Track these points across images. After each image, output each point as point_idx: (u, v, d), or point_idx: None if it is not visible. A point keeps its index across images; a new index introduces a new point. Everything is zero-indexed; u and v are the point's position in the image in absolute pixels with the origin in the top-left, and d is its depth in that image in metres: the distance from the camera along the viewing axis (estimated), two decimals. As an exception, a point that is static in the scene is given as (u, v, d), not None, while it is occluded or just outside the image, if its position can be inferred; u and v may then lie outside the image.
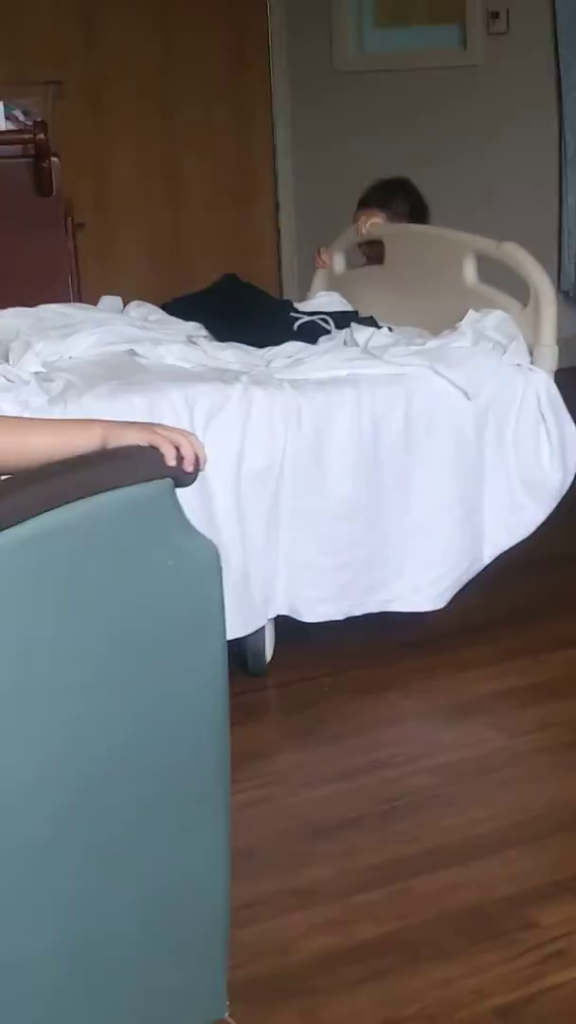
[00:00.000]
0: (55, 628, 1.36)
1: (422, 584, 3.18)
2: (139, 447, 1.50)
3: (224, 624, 1.56)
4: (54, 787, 1.39)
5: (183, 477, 1.48)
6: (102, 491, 1.39)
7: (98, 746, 1.43)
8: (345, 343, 3.35)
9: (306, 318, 3.52)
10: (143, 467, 1.45)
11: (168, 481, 1.46)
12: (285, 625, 3.16)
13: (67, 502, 1.35)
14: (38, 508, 1.32)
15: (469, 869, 2.40)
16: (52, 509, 1.33)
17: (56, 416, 2.83)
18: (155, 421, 2.87)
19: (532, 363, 3.25)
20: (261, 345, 3.35)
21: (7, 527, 1.29)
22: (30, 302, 3.59)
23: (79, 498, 1.36)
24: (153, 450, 1.49)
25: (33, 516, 1.31)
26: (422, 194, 4.00)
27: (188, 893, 1.62)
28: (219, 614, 1.54)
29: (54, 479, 1.37)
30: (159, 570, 1.46)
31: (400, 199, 3.98)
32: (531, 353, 3.26)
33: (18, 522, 1.30)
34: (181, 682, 1.51)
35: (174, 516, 1.47)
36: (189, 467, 1.50)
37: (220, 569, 1.53)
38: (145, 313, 3.62)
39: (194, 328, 3.48)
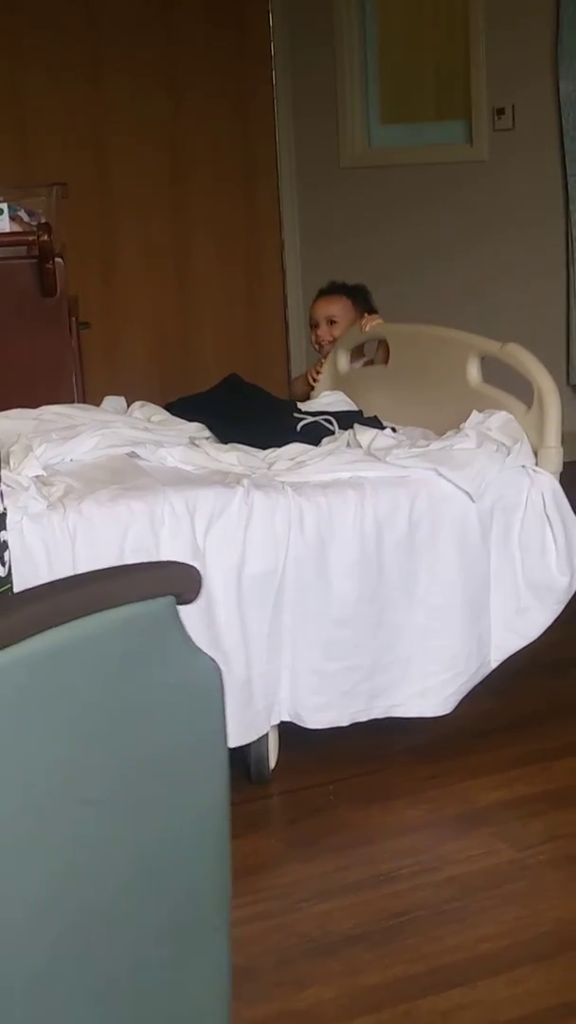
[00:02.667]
0: (53, 749, 1.34)
1: (428, 689, 3.13)
2: (143, 564, 1.49)
3: (226, 743, 1.54)
4: (51, 914, 1.36)
5: (185, 594, 1.46)
6: (100, 609, 1.37)
7: (97, 870, 1.39)
8: (348, 444, 3.34)
9: (309, 419, 3.50)
10: (144, 584, 1.43)
11: (170, 598, 1.43)
12: (289, 731, 3.11)
13: (64, 622, 1.33)
14: (34, 628, 1.30)
15: (476, 990, 2.34)
16: (48, 629, 1.31)
17: (55, 523, 2.81)
18: (155, 526, 2.88)
19: (537, 464, 3.22)
20: (265, 445, 3.33)
21: (3, 647, 1.27)
22: (34, 402, 3.59)
23: (76, 617, 1.34)
24: (158, 566, 1.47)
25: (29, 636, 1.29)
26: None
27: (188, 1020, 1.58)
28: (221, 733, 1.52)
29: (50, 598, 1.35)
30: (160, 689, 1.44)
31: (364, 298, 4.10)
32: (536, 455, 3.24)
33: (14, 642, 1.28)
34: (182, 802, 1.49)
35: (176, 634, 1.45)
36: None
37: (222, 688, 1.50)
38: (148, 413, 3.61)
39: (197, 429, 3.47)
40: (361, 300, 4.08)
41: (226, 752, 1.52)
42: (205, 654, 1.48)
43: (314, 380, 4.04)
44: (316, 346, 4.15)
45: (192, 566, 1.49)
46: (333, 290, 4.14)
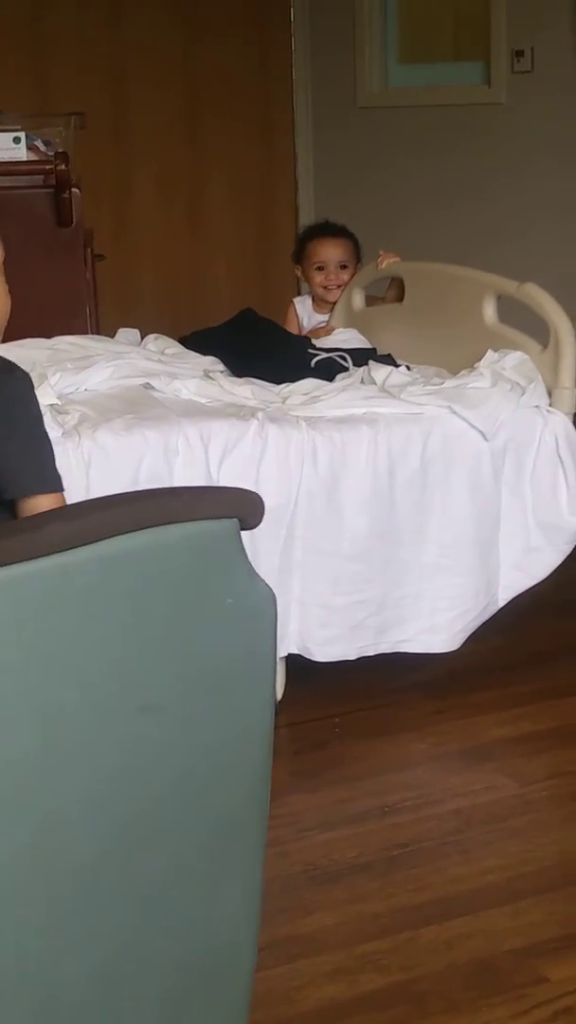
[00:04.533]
0: (115, 650, 1.38)
1: (436, 625, 3.15)
2: (212, 487, 1.52)
3: (275, 671, 1.57)
4: (102, 812, 1.40)
5: (249, 519, 1.48)
6: (168, 523, 1.40)
7: (147, 774, 1.44)
8: (362, 381, 3.33)
9: (324, 355, 3.50)
10: (212, 504, 1.47)
11: (234, 521, 1.46)
12: (297, 664, 3.13)
13: (131, 530, 1.37)
14: (108, 531, 1.35)
15: (478, 920, 2.36)
16: (115, 535, 1.35)
17: (70, 450, 2.82)
18: (169, 456, 2.88)
19: (551, 405, 3.22)
20: (278, 381, 3.33)
21: (85, 543, 1.32)
22: (48, 333, 3.58)
23: (144, 527, 1.38)
24: (226, 489, 1.50)
25: (103, 539, 1.34)
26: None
27: (220, 935, 1.62)
28: (271, 659, 1.56)
29: (120, 507, 1.39)
30: (218, 608, 1.47)
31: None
32: (550, 395, 3.23)
33: (89, 542, 1.33)
34: (231, 718, 1.53)
35: (237, 556, 1.48)
36: None
37: (276, 616, 1.53)
38: (163, 346, 3.61)
39: (211, 363, 3.46)
40: (357, 245, 4.01)
41: (274, 676, 1.55)
42: (263, 582, 1.51)
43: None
44: (321, 289, 3.96)
45: (256, 494, 1.52)
46: (341, 232, 3.98)
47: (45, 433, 2.07)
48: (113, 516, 1.36)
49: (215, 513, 1.45)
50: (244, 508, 1.49)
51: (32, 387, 2.06)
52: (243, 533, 3.09)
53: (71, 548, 1.32)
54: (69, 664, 1.34)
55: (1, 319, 2.11)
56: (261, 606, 1.51)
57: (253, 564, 3.06)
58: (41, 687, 1.33)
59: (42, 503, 2.01)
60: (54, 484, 2.04)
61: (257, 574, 1.50)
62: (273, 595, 1.51)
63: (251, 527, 1.48)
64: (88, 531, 1.33)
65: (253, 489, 2.87)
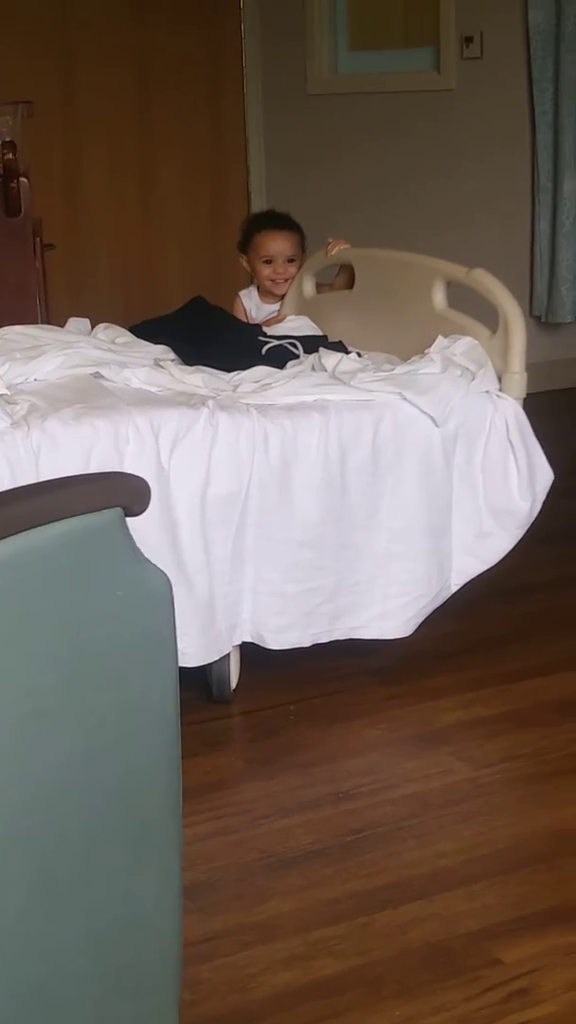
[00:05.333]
0: (3, 660, 1.32)
1: (389, 611, 3.16)
2: (91, 475, 1.47)
3: (176, 655, 1.54)
4: (4, 822, 1.35)
5: (134, 506, 1.45)
6: (47, 522, 1.35)
7: (46, 780, 1.39)
8: (313, 368, 3.33)
9: (274, 342, 3.50)
10: (91, 496, 1.41)
11: (118, 510, 1.42)
12: (250, 652, 3.13)
13: (9, 534, 1.31)
14: None
15: (432, 903, 2.37)
16: None
17: (19, 440, 2.81)
18: (120, 445, 2.87)
19: (501, 390, 3.23)
20: (229, 369, 3.33)
21: None
22: (-3, 323, 3.57)
23: (22, 530, 1.32)
24: (103, 477, 1.45)
25: None
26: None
27: (139, 929, 1.59)
28: (171, 645, 1.52)
29: None
30: (109, 601, 1.43)
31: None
32: (500, 380, 3.24)
33: None
34: (132, 715, 1.49)
35: (124, 546, 1.43)
36: None
37: (171, 599, 1.50)
38: (113, 335, 3.59)
39: (162, 351, 3.45)
40: (303, 236, 3.98)
41: (175, 664, 1.52)
42: (154, 566, 1.47)
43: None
44: (269, 282, 3.92)
45: (141, 477, 1.47)
46: (287, 224, 3.93)
47: None
48: None
49: (95, 505, 1.39)
50: (127, 495, 1.44)
51: None
52: (194, 521, 3.07)
53: None
54: None
55: None
56: (154, 593, 1.46)
57: (205, 553, 3.06)
58: None
59: None
60: None
61: (147, 560, 1.46)
62: (166, 579, 1.48)
63: (136, 514, 1.43)
64: None
65: (204, 477, 2.89)
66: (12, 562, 1.31)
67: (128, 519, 1.47)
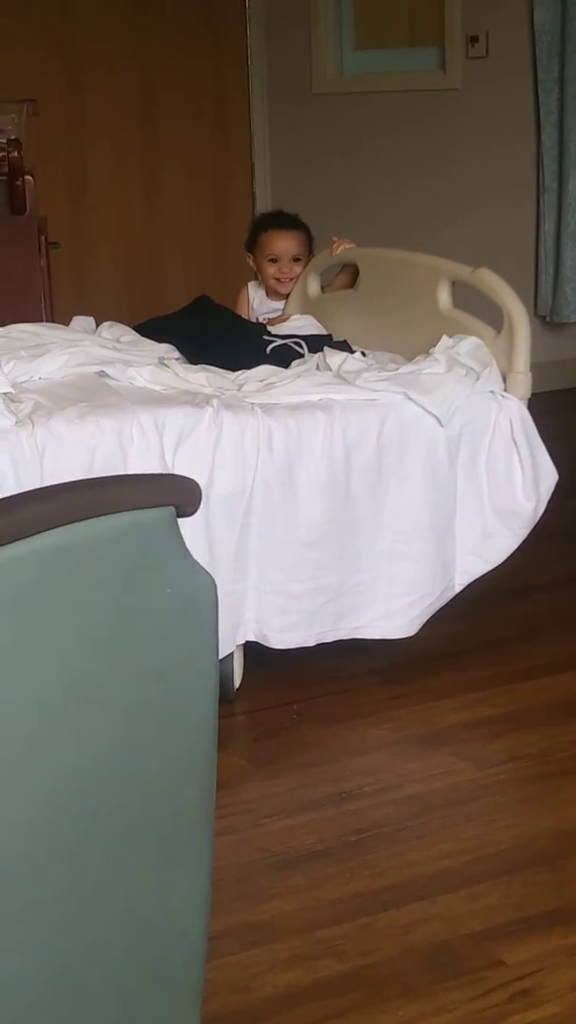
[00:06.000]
0: (55, 646, 1.36)
1: (393, 611, 3.15)
2: (148, 475, 1.49)
3: (217, 657, 1.56)
4: (51, 810, 1.38)
5: (186, 507, 1.47)
6: (104, 514, 1.38)
7: (86, 765, 1.41)
8: (318, 367, 3.33)
9: (279, 341, 3.49)
10: (147, 492, 1.45)
11: (170, 509, 1.45)
12: (254, 651, 3.13)
13: (67, 522, 1.35)
14: (40, 526, 1.32)
15: (435, 904, 2.37)
16: (50, 529, 1.33)
17: (23, 439, 2.80)
18: (124, 444, 2.87)
19: (505, 390, 3.23)
20: (234, 368, 3.33)
21: (16, 539, 1.29)
22: (1, 321, 3.57)
23: (82, 519, 1.36)
24: (159, 477, 1.48)
25: (31, 535, 1.31)
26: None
27: (168, 923, 1.61)
28: (213, 646, 1.54)
29: (53, 499, 1.36)
30: (158, 597, 1.45)
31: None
32: (504, 380, 3.24)
33: (20, 538, 1.30)
34: (172, 710, 1.51)
35: (175, 545, 1.46)
36: None
37: (216, 602, 1.53)
38: (118, 334, 3.59)
39: (166, 350, 3.45)
40: (310, 236, 3.99)
41: (216, 666, 1.54)
42: (202, 568, 1.49)
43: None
44: (274, 280, 3.93)
45: (193, 480, 1.50)
46: (294, 224, 3.94)
47: None
48: (47, 509, 1.34)
49: (151, 502, 1.43)
50: (180, 496, 1.47)
51: None
52: (198, 520, 3.08)
53: (3, 544, 1.29)
54: (9, 663, 1.31)
55: None
56: (201, 595, 1.49)
57: (209, 552, 3.06)
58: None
59: None
60: None
61: (196, 562, 1.49)
62: (213, 583, 1.50)
63: (188, 514, 1.46)
64: (21, 526, 1.30)
65: (209, 476, 2.88)
66: (71, 548, 1.35)
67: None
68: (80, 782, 1.41)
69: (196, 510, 1.48)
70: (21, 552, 1.30)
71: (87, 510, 1.37)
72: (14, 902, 1.37)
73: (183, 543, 1.46)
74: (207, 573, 1.50)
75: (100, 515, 1.37)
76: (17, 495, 1.39)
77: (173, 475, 1.53)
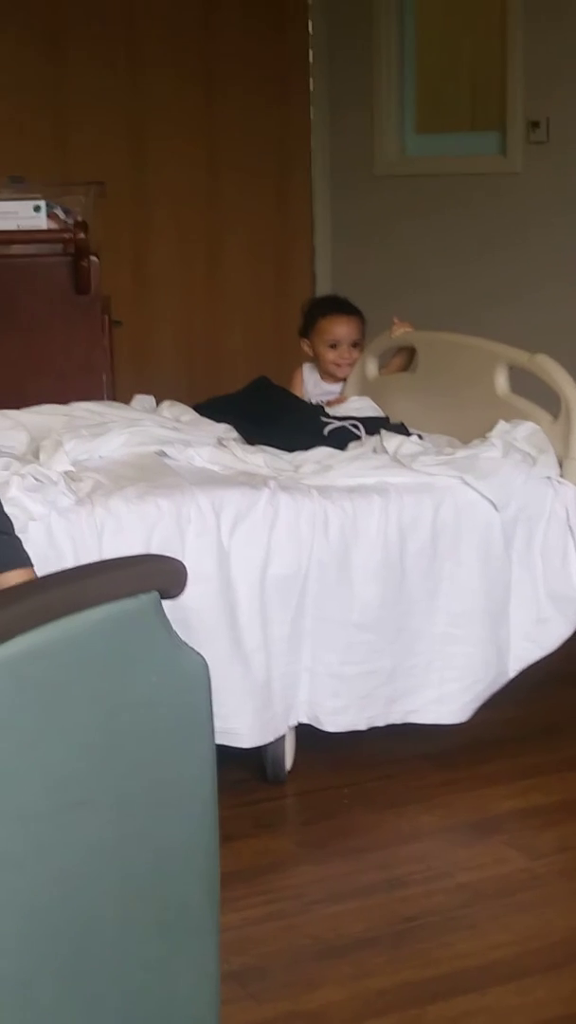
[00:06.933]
0: (38, 752, 1.32)
1: (446, 696, 3.15)
2: (128, 558, 1.45)
3: (212, 738, 1.52)
4: (40, 916, 1.35)
5: (171, 589, 1.45)
6: (83, 608, 1.34)
7: (75, 870, 1.38)
8: (375, 450, 3.35)
9: (336, 423, 3.52)
10: (126, 580, 1.40)
11: (154, 594, 1.41)
12: (306, 732, 3.12)
13: (44, 623, 1.30)
14: (12, 631, 1.28)
15: (485, 997, 2.35)
16: (28, 631, 1.29)
17: (83, 518, 2.84)
18: (182, 524, 2.90)
19: (562, 476, 3.23)
20: (291, 449, 3.35)
21: None
22: (65, 399, 3.62)
23: (57, 618, 1.31)
24: (140, 561, 1.45)
25: (8, 639, 1.27)
26: None
27: (176, 1015, 1.57)
28: (208, 729, 1.50)
29: (29, 599, 1.32)
30: (144, 687, 1.42)
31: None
32: (561, 466, 3.25)
33: None
34: (166, 801, 1.47)
35: (159, 630, 1.43)
36: None
37: (208, 683, 1.48)
38: (177, 413, 3.63)
39: (225, 430, 3.49)
40: (364, 321, 4.02)
41: (212, 748, 1.50)
42: (191, 649, 1.46)
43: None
44: (333, 366, 3.97)
45: (177, 560, 1.47)
46: (352, 310, 4.00)
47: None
48: (13, 615, 1.28)
49: (132, 589, 1.38)
50: (164, 579, 1.42)
51: None
52: (253, 602, 3.07)
53: None
54: None
55: None
56: (191, 678, 1.45)
57: (262, 632, 3.05)
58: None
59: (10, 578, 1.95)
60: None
61: (184, 644, 1.44)
62: (204, 664, 1.45)
63: (173, 596, 1.42)
64: None
65: (264, 557, 2.90)
66: (47, 650, 1.31)
67: (179, 599, 1.46)
68: (66, 889, 1.35)
69: (182, 591, 1.43)
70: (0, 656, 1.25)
71: (62, 609, 1.31)
72: (3, 1011, 1.32)
73: (169, 627, 1.41)
74: (197, 654, 1.45)
75: (79, 610, 1.32)
76: None
77: (156, 556, 1.49)
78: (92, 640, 1.35)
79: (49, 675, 1.32)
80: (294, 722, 3.06)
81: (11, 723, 1.29)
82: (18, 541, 1.98)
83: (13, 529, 2.02)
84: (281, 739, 3.06)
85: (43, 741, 1.32)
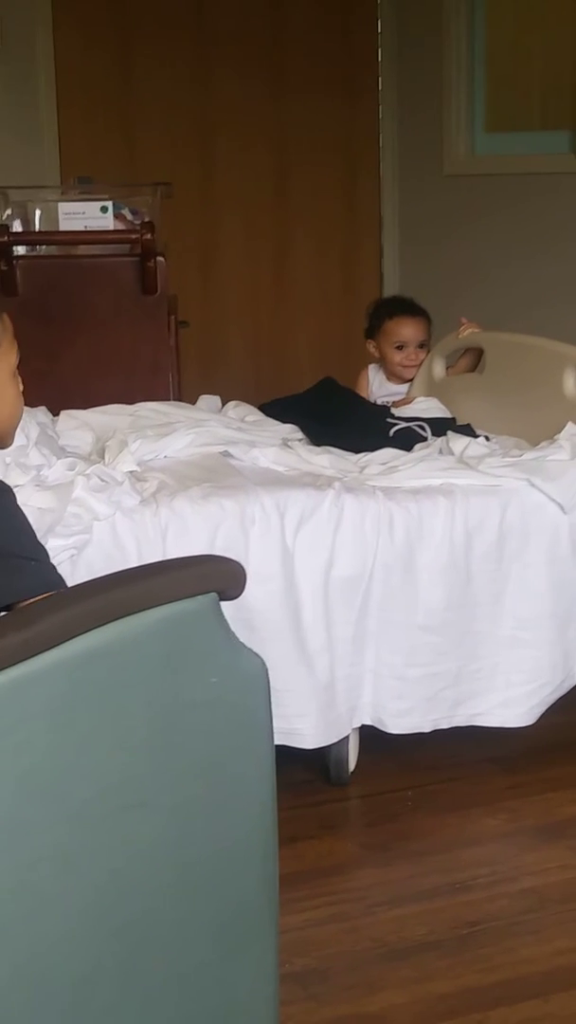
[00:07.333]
0: (96, 754, 1.32)
1: (512, 699, 3.12)
2: (186, 559, 1.44)
3: (271, 740, 1.51)
4: (96, 920, 1.35)
5: (229, 590, 1.44)
6: (141, 610, 1.34)
7: (134, 872, 1.38)
8: (441, 451, 3.33)
9: (402, 424, 3.51)
10: (185, 582, 1.40)
11: (212, 595, 1.40)
12: (370, 734, 3.11)
13: (103, 623, 1.30)
14: (72, 632, 1.27)
15: (548, 1003, 2.32)
16: (87, 632, 1.28)
17: (147, 518, 2.85)
18: (246, 525, 2.90)
19: (630, 478, 3.19)
20: (357, 450, 3.34)
21: (41, 651, 1.24)
22: (131, 399, 3.64)
23: (116, 618, 1.31)
24: (199, 562, 1.44)
25: (67, 640, 1.27)
26: None
27: (235, 1016, 1.56)
28: (267, 730, 1.49)
29: (88, 600, 1.31)
30: (203, 688, 1.41)
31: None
32: (629, 468, 3.21)
33: (52, 646, 1.25)
34: (225, 803, 1.46)
35: (218, 631, 1.42)
36: None
37: (267, 684, 1.48)
38: (243, 413, 3.64)
39: (290, 431, 3.48)
40: (430, 321, 4.01)
41: (271, 749, 1.49)
42: (250, 651, 1.46)
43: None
44: (400, 367, 3.97)
45: (235, 561, 1.46)
46: (419, 311, 3.99)
47: (30, 541, 1.99)
48: (71, 616, 1.27)
49: (190, 590, 1.37)
50: (223, 580, 1.42)
51: (11, 499, 2.00)
52: (317, 603, 3.06)
53: (27, 658, 1.23)
54: (43, 779, 1.26)
55: (11, 421, 2.08)
56: (250, 679, 1.44)
57: (327, 634, 3.04)
58: (16, 809, 1.25)
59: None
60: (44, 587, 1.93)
61: (243, 645, 1.43)
62: (263, 664, 1.45)
63: (231, 598, 1.41)
64: (43, 638, 1.24)
65: (329, 558, 2.89)
66: (104, 651, 1.31)
67: (242, 600, 1.45)
68: (123, 890, 1.35)
69: (240, 592, 1.42)
70: (44, 665, 1.24)
71: (121, 609, 1.31)
72: (63, 1014, 1.32)
73: (227, 628, 1.41)
74: (256, 656, 1.45)
75: (138, 611, 1.32)
76: (47, 600, 1.33)
77: (215, 557, 1.48)
78: (150, 641, 1.35)
79: (107, 676, 1.31)
80: (358, 723, 3.05)
81: (69, 724, 1.29)
82: (50, 567, 1.95)
83: (47, 557, 1.99)
84: (345, 740, 3.05)
85: (100, 742, 1.32)
